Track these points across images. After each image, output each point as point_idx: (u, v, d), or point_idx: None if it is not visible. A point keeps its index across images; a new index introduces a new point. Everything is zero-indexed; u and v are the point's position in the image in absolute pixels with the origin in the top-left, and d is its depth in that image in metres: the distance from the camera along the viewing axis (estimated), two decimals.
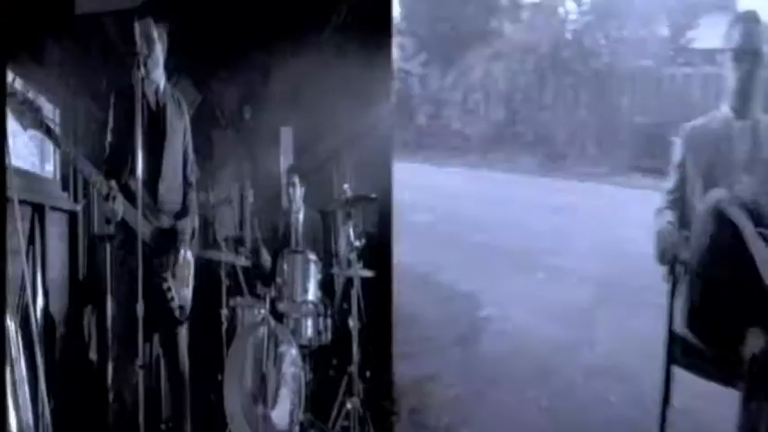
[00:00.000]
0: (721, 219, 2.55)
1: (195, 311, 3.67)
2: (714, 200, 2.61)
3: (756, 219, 2.58)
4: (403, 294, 3.54)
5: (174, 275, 3.49)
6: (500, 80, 15.78)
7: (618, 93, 10.26)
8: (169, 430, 3.70)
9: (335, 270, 4.31)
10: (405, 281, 3.56)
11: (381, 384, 4.05)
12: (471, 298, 5.33)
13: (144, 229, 3.27)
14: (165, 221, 3.54)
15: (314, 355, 4.10)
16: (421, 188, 9.52)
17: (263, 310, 3.86)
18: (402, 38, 17.77)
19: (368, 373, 3.98)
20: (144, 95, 3.39)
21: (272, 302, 3.95)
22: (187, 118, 3.74)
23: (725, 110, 2.93)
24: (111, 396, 3.46)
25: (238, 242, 4.78)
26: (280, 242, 4.58)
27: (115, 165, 3.47)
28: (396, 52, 17.27)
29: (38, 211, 3.84)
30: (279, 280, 4.12)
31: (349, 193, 4.05)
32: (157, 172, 3.50)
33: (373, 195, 4.04)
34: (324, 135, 5.33)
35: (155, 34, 3.48)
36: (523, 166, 13.35)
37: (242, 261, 4.27)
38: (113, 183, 3.32)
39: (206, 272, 4.03)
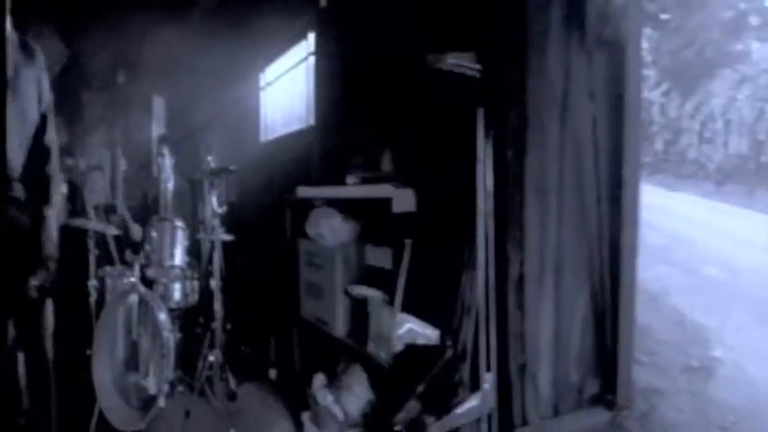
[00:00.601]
0: None
1: (61, 284, 3.34)
2: None
3: None
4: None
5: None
6: (744, 108, 15.80)
7: None
8: (29, 424, 3.32)
9: (201, 235, 4.58)
10: (637, 295, 3.50)
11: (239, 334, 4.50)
12: (701, 331, 5.16)
13: None
14: (18, 190, 3.11)
15: (183, 316, 4.37)
16: (655, 209, 9.98)
17: (132, 278, 4.01)
18: (647, 70, 19.04)
19: (228, 326, 4.32)
20: None
21: (142, 269, 4.14)
22: (44, 72, 3.31)
23: None
24: None
25: (109, 210, 4.90)
26: (150, 210, 4.75)
27: None
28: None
29: None
30: (147, 247, 4.28)
31: (213, 165, 4.30)
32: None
33: (233, 167, 4.31)
34: (194, 108, 5.49)
35: None
36: (765, 203, 12.84)
37: (112, 230, 4.37)
38: None
39: (73, 243, 4.04)
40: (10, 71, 3.00)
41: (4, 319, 3.01)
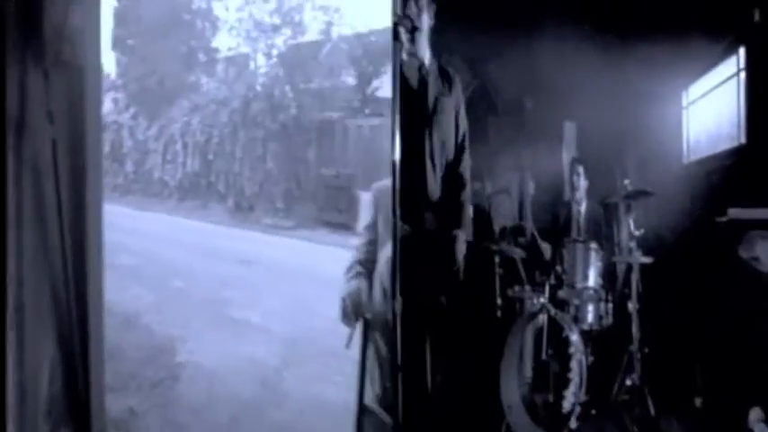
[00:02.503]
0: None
1: (470, 301, 3.96)
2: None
3: None
4: (108, 331, 3.56)
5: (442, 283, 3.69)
6: (197, 132, 18.18)
7: (304, 145, 11.28)
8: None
9: (617, 258, 4.61)
10: (110, 319, 3.65)
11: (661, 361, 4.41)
12: (169, 342, 5.74)
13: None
14: (430, 220, 3.60)
15: (595, 339, 4.39)
16: (126, 231, 10.75)
17: (541, 299, 4.25)
18: (116, 93, 21.84)
19: (646, 350, 4.27)
20: (403, 74, 3.37)
21: (552, 290, 4.35)
22: (461, 98, 3.76)
23: None
24: None
25: (517, 232, 5.09)
26: (559, 232, 4.88)
27: None
28: (110, 106, 20.86)
29: None
30: (558, 268, 4.49)
31: (630, 188, 4.42)
32: (420, 160, 3.50)
33: (650, 190, 4.38)
34: (607, 130, 5.52)
35: (423, 2, 3.47)
36: (216, 215, 15.20)
37: (518, 252, 4.58)
38: None
39: (480, 261, 4.27)
40: (431, 100, 3.51)
41: (419, 330, 3.44)
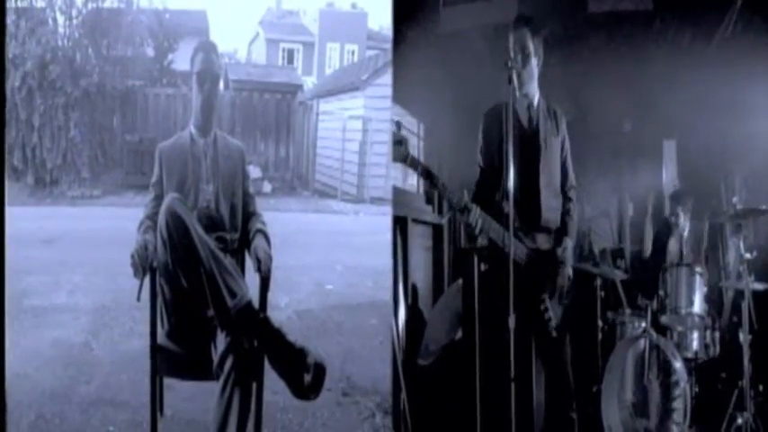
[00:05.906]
0: (172, 216, 3.09)
1: (571, 323, 3.73)
2: (167, 202, 3.15)
3: (213, 220, 3.46)
4: None
5: (551, 296, 3.57)
6: None
7: (109, 112, 11.12)
8: None
9: (724, 283, 4.39)
10: None
11: None
12: None
13: (518, 251, 3.36)
14: (543, 241, 3.60)
15: (700, 369, 4.20)
16: None
17: (643, 323, 4.08)
18: None
19: (760, 387, 4.02)
20: (516, 112, 3.51)
21: (654, 315, 4.16)
22: (566, 135, 3.76)
23: (191, 128, 3.55)
24: None
25: (617, 254, 5.00)
26: (661, 255, 4.70)
27: (485, 188, 3.62)
28: None
29: (401, 223, 4.39)
30: (661, 292, 4.27)
31: (739, 206, 4.12)
32: (534, 192, 3.55)
33: (764, 207, 4.06)
34: (711, 146, 5.37)
35: (530, 47, 3.51)
36: (11, 196, 13.09)
37: (618, 275, 4.43)
38: (479, 214, 3.35)
39: (581, 283, 4.14)
40: (542, 145, 3.62)
41: (527, 348, 3.49)
